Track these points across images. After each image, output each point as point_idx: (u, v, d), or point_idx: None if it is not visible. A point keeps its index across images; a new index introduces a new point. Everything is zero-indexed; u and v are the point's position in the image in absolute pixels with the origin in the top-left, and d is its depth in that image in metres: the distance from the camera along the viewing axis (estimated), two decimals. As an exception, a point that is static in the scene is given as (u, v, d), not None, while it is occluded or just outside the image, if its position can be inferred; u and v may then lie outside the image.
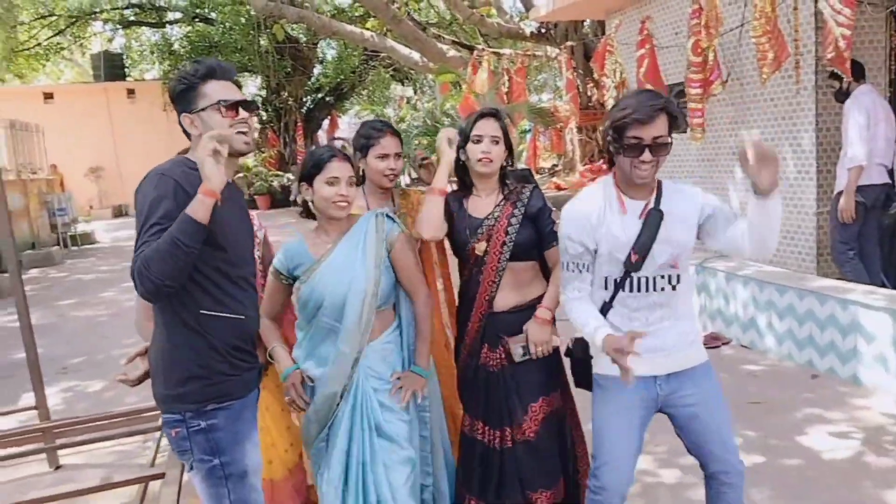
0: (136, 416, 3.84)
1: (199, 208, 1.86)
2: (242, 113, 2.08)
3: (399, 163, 2.77)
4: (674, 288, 2.31)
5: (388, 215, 2.55)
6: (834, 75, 5.30)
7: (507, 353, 2.64)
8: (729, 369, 4.90)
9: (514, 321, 2.65)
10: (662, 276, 2.29)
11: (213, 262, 2.02)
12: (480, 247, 2.63)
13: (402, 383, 2.52)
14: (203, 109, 2.05)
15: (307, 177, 2.48)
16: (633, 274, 2.28)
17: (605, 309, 2.35)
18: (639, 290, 2.29)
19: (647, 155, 2.16)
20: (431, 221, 2.62)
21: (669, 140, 2.20)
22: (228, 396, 2.09)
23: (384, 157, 2.72)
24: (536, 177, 7.25)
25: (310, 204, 2.52)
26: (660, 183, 2.33)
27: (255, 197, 18.94)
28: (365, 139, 2.73)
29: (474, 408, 2.73)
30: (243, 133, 2.07)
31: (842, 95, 5.29)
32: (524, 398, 2.64)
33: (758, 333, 5.30)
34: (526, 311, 2.65)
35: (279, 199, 19.51)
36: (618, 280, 2.31)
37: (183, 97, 2.07)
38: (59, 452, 4.06)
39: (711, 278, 5.76)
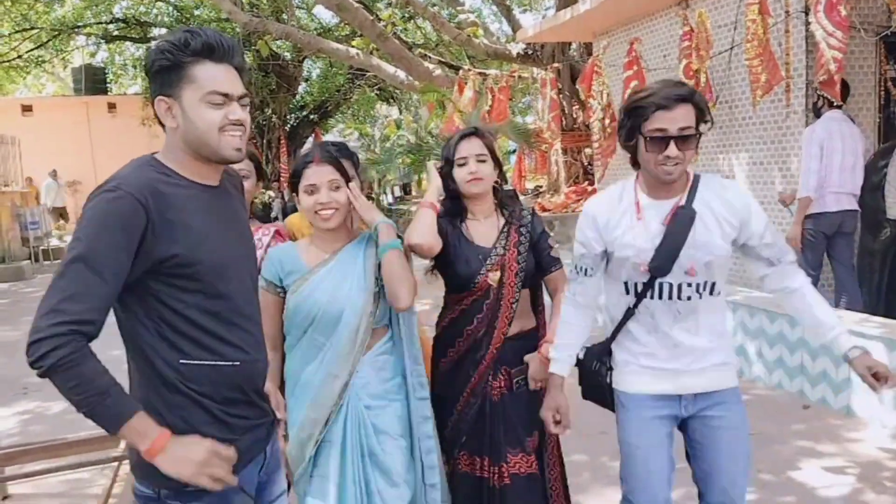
0: (95, 443, 3.59)
1: (132, 437, 1.49)
2: (238, 111, 1.60)
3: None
4: (700, 296, 2.07)
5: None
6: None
7: (507, 382, 2.50)
8: (718, 398, 4.74)
9: (517, 348, 2.51)
10: (689, 284, 2.06)
11: (193, 298, 1.57)
12: (494, 277, 2.46)
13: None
14: (186, 98, 1.57)
15: (294, 187, 2.27)
16: (656, 279, 2.06)
17: (627, 315, 2.14)
18: (660, 297, 2.07)
19: (672, 149, 1.91)
20: (421, 229, 2.36)
21: (697, 133, 1.97)
22: None
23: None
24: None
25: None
26: (696, 177, 2.08)
27: (236, 214, 18.67)
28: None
29: (473, 441, 2.50)
30: (236, 136, 1.61)
31: (819, 114, 5.24)
32: (523, 431, 2.47)
33: (747, 361, 5.15)
34: (526, 338, 2.54)
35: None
36: (640, 285, 2.09)
37: (162, 76, 1.57)
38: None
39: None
